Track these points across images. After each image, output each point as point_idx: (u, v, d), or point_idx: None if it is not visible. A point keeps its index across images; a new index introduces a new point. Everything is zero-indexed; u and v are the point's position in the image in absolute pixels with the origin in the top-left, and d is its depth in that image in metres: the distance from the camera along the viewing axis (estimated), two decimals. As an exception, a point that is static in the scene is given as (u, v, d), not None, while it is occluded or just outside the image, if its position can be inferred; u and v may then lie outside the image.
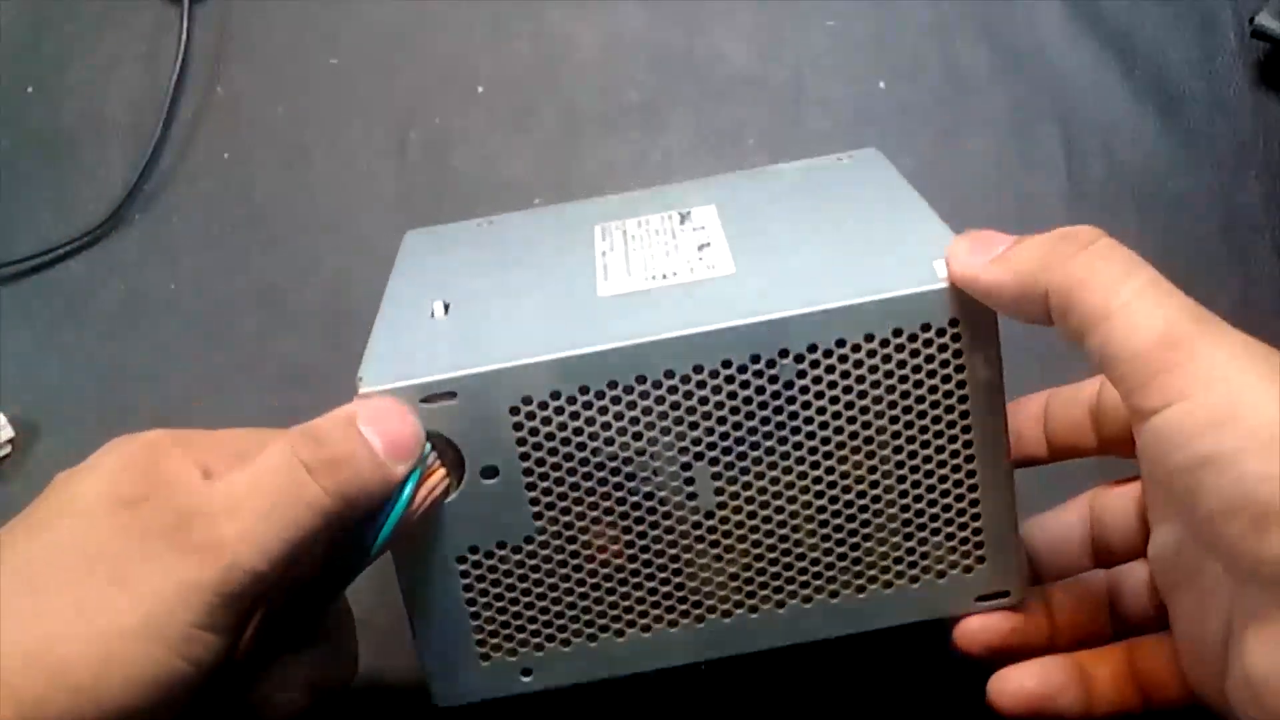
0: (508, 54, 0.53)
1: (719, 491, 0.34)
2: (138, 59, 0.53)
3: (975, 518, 0.34)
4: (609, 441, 0.33)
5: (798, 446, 0.33)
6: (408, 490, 0.31)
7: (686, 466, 0.33)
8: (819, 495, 0.34)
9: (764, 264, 0.36)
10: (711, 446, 0.33)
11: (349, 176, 0.51)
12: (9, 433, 0.47)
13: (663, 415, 0.33)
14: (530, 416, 0.33)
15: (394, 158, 0.51)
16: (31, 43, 0.54)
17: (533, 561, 0.34)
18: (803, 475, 0.34)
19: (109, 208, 0.51)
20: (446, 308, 0.36)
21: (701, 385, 0.32)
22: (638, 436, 0.33)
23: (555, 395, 0.32)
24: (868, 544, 0.35)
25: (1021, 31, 0.52)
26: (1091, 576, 0.37)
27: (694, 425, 0.33)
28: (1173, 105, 0.50)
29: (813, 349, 0.32)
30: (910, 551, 0.35)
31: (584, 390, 0.32)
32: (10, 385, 0.49)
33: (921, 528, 0.34)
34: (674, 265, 0.36)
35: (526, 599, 0.35)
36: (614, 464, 0.33)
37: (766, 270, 0.35)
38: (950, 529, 0.35)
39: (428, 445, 0.32)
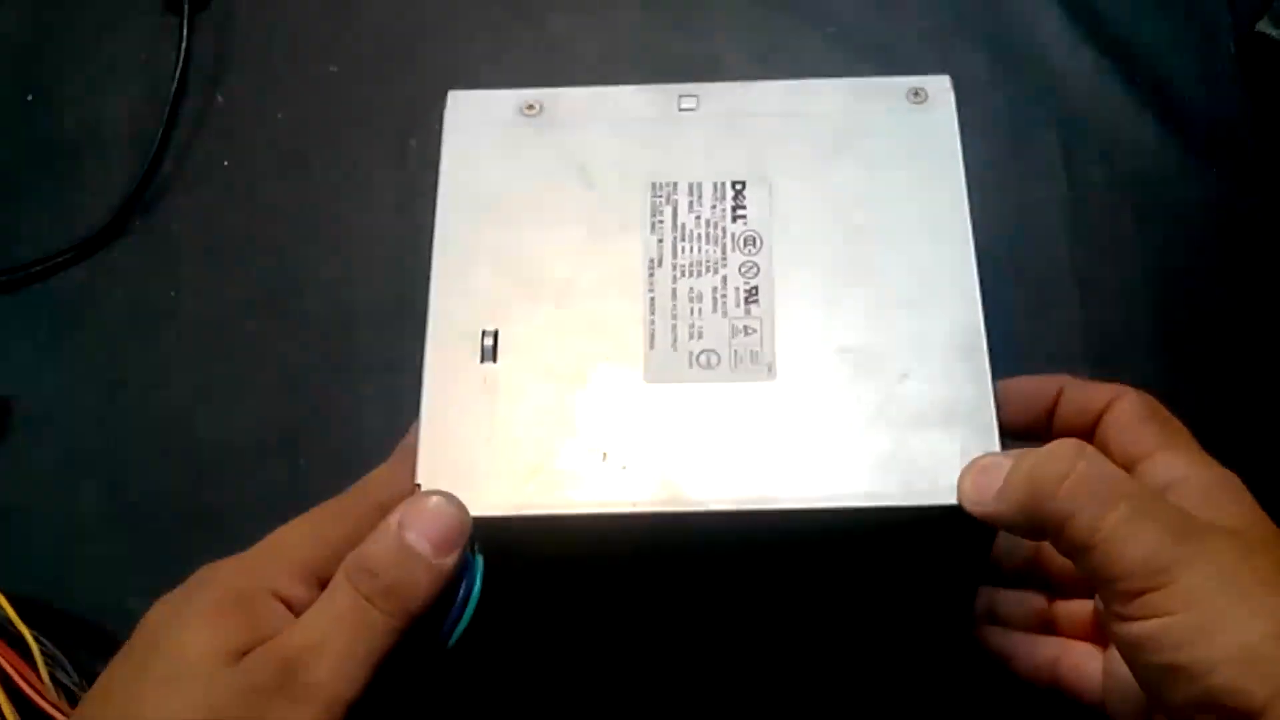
0: (508, 60, 0.53)
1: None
2: (138, 67, 0.53)
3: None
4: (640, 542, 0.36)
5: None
6: (477, 587, 0.33)
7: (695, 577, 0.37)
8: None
9: (799, 359, 0.36)
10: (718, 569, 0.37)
11: (349, 184, 0.51)
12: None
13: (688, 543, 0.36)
14: (570, 544, 0.35)
15: (394, 165, 0.51)
16: (32, 51, 0.54)
17: None
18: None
19: (109, 215, 0.51)
20: (495, 343, 0.37)
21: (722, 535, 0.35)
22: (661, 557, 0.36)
23: (597, 538, 0.35)
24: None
25: (1021, 38, 0.52)
26: None
27: (706, 551, 0.36)
28: (1172, 112, 0.50)
29: (827, 529, 0.35)
30: None
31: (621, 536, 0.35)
32: (12, 393, 0.49)
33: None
34: (718, 336, 0.37)
35: None
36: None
37: (802, 377, 0.36)
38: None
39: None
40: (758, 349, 0.36)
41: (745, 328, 0.37)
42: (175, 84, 0.52)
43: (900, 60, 0.52)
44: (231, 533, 0.46)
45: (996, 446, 0.34)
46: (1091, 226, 0.49)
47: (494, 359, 0.36)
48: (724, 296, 0.37)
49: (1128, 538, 0.29)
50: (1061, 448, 0.31)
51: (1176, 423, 0.35)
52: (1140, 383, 0.47)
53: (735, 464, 0.34)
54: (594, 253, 0.38)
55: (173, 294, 0.50)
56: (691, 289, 0.37)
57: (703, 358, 0.36)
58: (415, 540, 0.32)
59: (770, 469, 0.34)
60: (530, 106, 0.41)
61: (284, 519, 0.46)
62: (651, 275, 0.38)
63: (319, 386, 0.48)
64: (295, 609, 0.33)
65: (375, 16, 0.54)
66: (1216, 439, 0.46)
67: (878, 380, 0.35)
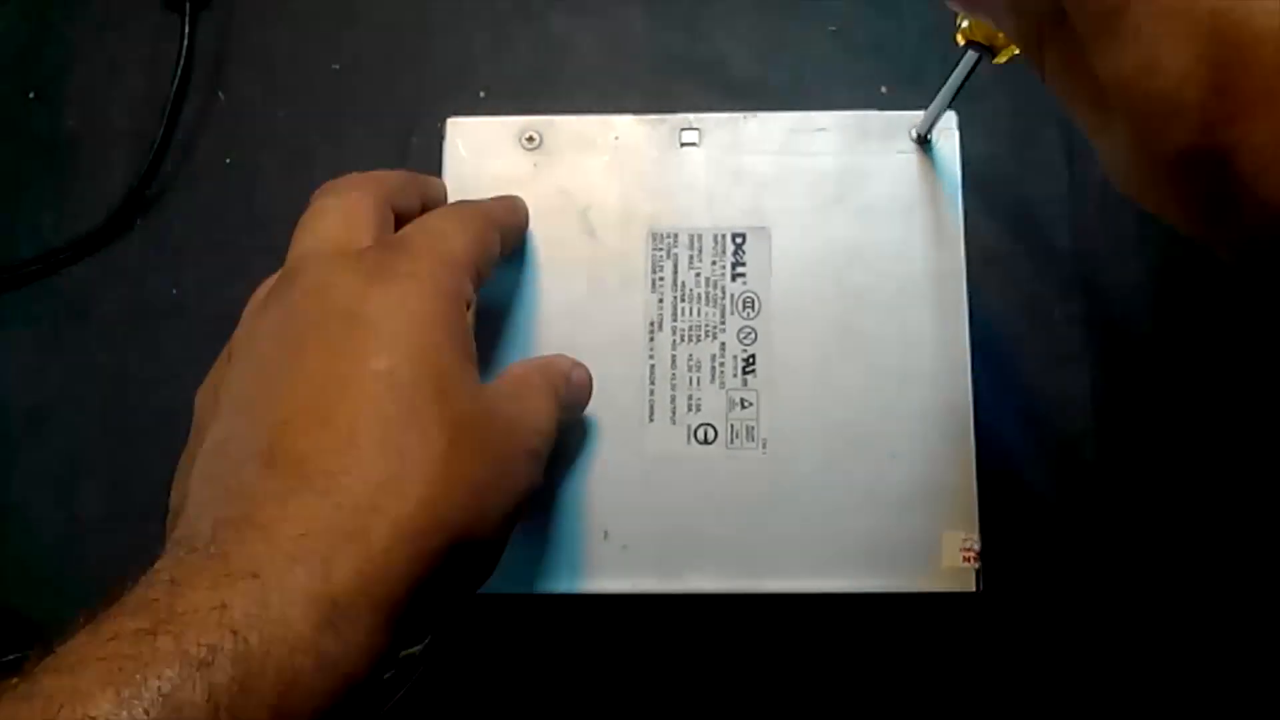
0: (509, 58, 0.53)
1: None
2: (139, 64, 0.53)
3: None
4: None
5: None
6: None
7: None
8: None
9: (793, 435, 0.38)
10: None
11: (351, 181, 0.51)
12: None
13: None
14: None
15: (396, 163, 0.51)
16: (33, 48, 0.54)
17: None
18: None
19: (110, 213, 0.51)
20: None
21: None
22: None
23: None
24: None
25: (1023, 36, 0.52)
26: None
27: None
28: (1174, 109, 0.50)
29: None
30: None
31: None
32: (13, 390, 0.49)
33: None
34: (716, 410, 0.38)
35: None
36: None
37: (794, 455, 0.38)
38: None
39: None
40: (753, 423, 0.38)
41: (742, 400, 0.38)
42: (176, 81, 0.52)
43: (902, 58, 0.52)
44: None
45: (976, 533, 0.36)
46: (1093, 224, 0.49)
47: None
48: (722, 365, 0.38)
49: None
50: None
51: None
52: (1142, 381, 0.47)
53: (728, 544, 0.36)
54: (596, 311, 0.39)
55: (174, 292, 0.50)
56: (691, 356, 0.38)
57: (700, 432, 0.38)
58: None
59: (762, 550, 0.36)
60: (530, 138, 0.41)
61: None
62: (652, 340, 0.39)
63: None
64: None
65: (377, 14, 0.54)
66: (1218, 437, 0.46)
67: (866, 459, 0.37)
